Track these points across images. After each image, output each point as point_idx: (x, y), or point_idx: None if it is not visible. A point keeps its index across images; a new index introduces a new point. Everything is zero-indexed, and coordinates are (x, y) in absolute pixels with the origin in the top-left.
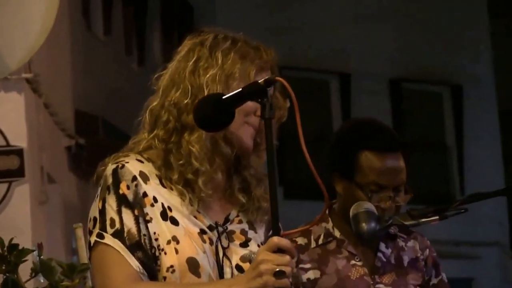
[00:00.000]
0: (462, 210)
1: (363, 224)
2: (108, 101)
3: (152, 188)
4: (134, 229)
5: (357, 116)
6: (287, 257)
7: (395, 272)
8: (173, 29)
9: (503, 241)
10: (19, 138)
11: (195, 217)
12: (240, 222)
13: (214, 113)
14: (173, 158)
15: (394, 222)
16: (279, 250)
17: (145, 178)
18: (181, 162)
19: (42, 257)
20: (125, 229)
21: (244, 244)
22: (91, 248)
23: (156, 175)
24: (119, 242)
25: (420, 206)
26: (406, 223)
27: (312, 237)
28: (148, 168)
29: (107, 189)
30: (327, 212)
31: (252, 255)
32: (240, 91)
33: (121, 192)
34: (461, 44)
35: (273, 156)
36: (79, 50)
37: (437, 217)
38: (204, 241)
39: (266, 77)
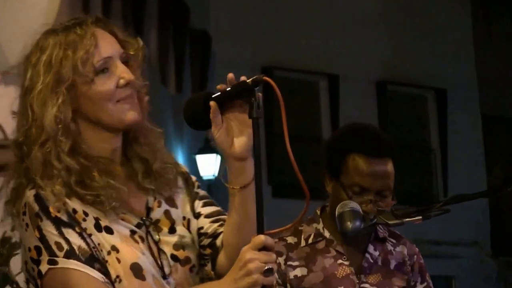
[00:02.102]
0: (445, 211)
1: (348, 223)
2: None
3: (76, 203)
4: (83, 244)
5: (348, 118)
6: (273, 255)
7: (381, 274)
8: (168, 27)
9: (482, 240)
10: None
11: (122, 219)
12: (159, 204)
13: (202, 113)
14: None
15: (378, 221)
16: (264, 248)
17: (68, 196)
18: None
19: None
20: (75, 247)
21: (172, 229)
22: (42, 277)
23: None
24: (74, 261)
25: (404, 206)
26: (390, 222)
27: (302, 236)
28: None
29: (37, 216)
30: (318, 213)
31: (183, 240)
32: (229, 90)
33: (53, 215)
34: (445, 49)
35: (259, 156)
36: None
37: (420, 217)
38: (137, 242)
39: (255, 77)
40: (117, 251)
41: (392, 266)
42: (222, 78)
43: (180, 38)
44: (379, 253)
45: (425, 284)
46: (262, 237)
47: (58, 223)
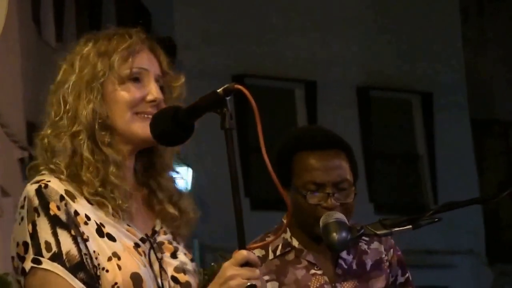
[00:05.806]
0: (436, 220)
1: (334, 234)
2: None
3: (81, 206)
4: (73, 250)
5: (328, 127)
6: (257, 271)
7: (357, 279)
8: None
9: (477, 249)
10: None
11: (127, 230)
12: (165, 233)
13: (172, 129)
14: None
15: (365, 231)
16: (246, 263)
17: (72, 197)
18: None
19: None
20: (64, 251)
21: (174, 255)
22: (25, 274)
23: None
24: (58, 266)
25: (393, 216)
26: (378, 232)
27: (270, 248)
28: (70, 186)
29: (35, 211)
30: (285, 222)
31: (185, 266)
32: (197, 102)
33: (52, 213)
34: (431, 49)
35: (235, 167)
36: (30, 57)
37: (410, 226)
38: (140, 255)
39: (225, 86)
40: (119, 258)
41: (368, 267)
42: (189, 88)
43: None
44: (352, 256)
45: (406, 275)
46: (244, 252)
47: (55, 222)
